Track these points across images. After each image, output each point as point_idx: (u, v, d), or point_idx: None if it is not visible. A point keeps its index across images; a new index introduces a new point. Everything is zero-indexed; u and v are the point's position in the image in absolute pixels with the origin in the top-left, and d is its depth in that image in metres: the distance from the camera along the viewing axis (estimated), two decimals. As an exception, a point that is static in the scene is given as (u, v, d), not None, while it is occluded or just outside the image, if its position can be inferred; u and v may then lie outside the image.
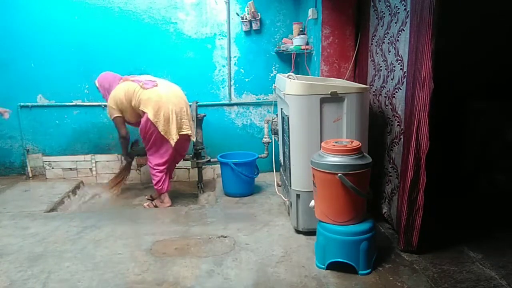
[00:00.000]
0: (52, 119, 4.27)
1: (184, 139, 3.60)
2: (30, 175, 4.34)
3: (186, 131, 3.51)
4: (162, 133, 3.38)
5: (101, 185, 4.29)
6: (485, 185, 3.58)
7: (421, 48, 2.32)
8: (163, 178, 3.58)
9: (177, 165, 3.99)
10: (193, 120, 3.79)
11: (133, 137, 3.85)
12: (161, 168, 3.54)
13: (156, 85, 3.47)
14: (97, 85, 3.67)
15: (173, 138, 3.43)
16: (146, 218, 3.23)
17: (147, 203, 3.76)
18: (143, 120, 3.42)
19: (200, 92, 4.29)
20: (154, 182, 3.60)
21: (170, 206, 3.65)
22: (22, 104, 4.20)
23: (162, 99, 3.39)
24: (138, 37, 4.13)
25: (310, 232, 2.77)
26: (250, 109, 4.42)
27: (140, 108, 3.41)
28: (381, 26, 2.96)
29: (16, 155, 4.37)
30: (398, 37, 2.67)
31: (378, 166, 2.97)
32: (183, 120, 3.49)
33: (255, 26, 4.16)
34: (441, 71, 2.56)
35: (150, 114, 3.36)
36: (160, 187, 3.59)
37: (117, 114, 3.52)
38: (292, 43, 3.90)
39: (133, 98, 3.43)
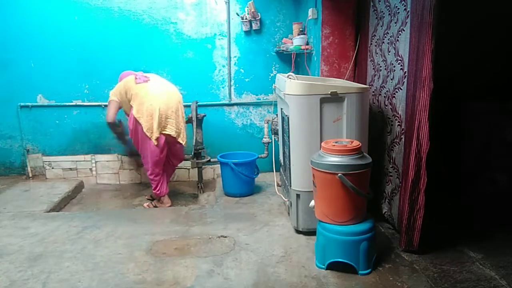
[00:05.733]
0: (52, 119, 4.27)
1: (174, 141, 3.56)
2: (30, 175, 4.34)
3: (169, 131, 3.43)
4: (144, 129, 3.34)
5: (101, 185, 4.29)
6: (485, 185, 3.58)
7: (422, 48, 2.32)
8: (160, 182, 3.58)
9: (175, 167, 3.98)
10: (193, 120, 3.78)
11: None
12: (156, 171, 3.53)
13: (147, 80, 3.48)
14: None
15: (154, 136, 3.36)
16: (146, 218, 3.23)
17: (147, 203, 3.76)
18: (130, 117, 3.43)
19: (200, 92, 4.28)
20: (152, 186, 3.61)
21: (170, 206, 3.65)
22: (22, 104, 4.20)
23: (148, 95, 3.38)
24: (138, 37, 4.13)
25: (310, 232, 2.77)
26: (250, 109, 4.42)
27: (130, 103, 3.43)
28: (381, 26, 2.96)
29: (16, 155, 4.37)
30: (398, 37, 2.67)
31: (378, 166, 2.97)
32: (168, 120, 3.42)
33: (255, 26, 4.16)
34: (441, 71, 2.56)
35: (134, 110, 3.37)
36: (159, 191, 3.60)
37: (113, 98, 3.55)
38: (292, 43, 3.90)
39: (128, 91, 3.45)
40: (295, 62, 4.19)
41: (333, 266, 2.35)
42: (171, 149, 3.66)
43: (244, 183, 3.71)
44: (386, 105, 2.90)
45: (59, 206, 3.65)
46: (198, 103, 3.94)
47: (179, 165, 3.97)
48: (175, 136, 3.49)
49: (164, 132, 3.42)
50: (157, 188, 3.58)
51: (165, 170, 3.68)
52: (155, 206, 3.66)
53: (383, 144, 2.95)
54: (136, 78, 3.46)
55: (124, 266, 2.45)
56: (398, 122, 2.73)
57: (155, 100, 3.37)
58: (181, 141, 3.57)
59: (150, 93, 3.40)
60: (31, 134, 4.29)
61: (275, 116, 3.81)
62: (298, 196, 2.76)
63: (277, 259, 2.50)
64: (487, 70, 3.74)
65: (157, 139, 3.38)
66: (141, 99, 3.37)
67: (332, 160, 2.26)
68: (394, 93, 2.77)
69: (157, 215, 3.34)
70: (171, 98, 3.49)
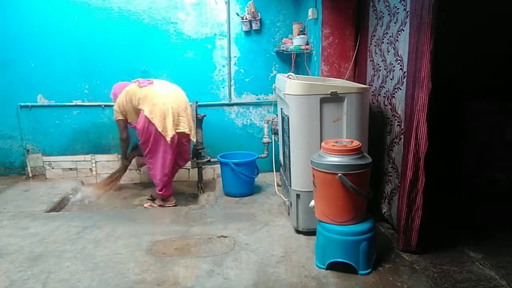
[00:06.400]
0: (52, 119, 4.27)
1: (184, 139, 3.58)
2: (30, 175, 4.34)
3: (183, 129, 3.46)
4: (159, 129, 3.35)
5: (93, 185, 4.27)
6: (485, 185, 3.58)
7: (421, 48, 2.32)
8: (168, 183, 3.58)
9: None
10: (193, 120, 3.79)
11: (134, 141, 3.88)
12: (165, 172, 3.51)
13: (152, 83, 3.51)
14: (112, 98, 3.74)
15: (169, 134, 3.37)
16: (146, 218, 3.23)
17: (148, 203, 3.75)
18: (140, 119, 3.42)
19: (200, 92, 4.29)
20: (157, 188, 3.58)
21: (174, 203, 3.65)
22: (22, 104, 4.19)
23: (158, 96, 3.40)
24: (138, 37, 4.13)
25: (310, 232, 2.77)
26: (250, 109, 4.42)
27: (139, 107, 3.42)
28: (380, 26, 2.96)
29: (16, 155, 4.37)
30: (398, 37, 2.67)
31: (378, 166, 2.97)
32: (180, 118, 3.45)
33: (255, 26, 4.16)
34: (441, 71, 2.56)
35: (146, 111, 3.37)
36: (165, 192, 3.59)
37: (120, 117, 3.58)
38: (292, 43, 3.90)
39: (133, 98, 3.46)
40: (295, 62, 4.19)
41: (333, 266, 2.35)
42: (179, 149, 3.66)
43: (244, 183, 3.71)
44: (386, 105, 2.90)
45: (59, 206, 3.66)
46: (198, 103, 3.94)
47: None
48: (188, 133, 3.51)
49: (178, 130, 3.45)
50: (163, 191, 3.57)
51: (171, 172, 3.67)
52: (160, 205, 3.63)
53: (383, 144, 2.95)
54: (139, 83, 3.48)
55: (124, 266, 2.45)
56: (398, 122, 2.73)
57: (166, 99, 3.39)
58: (192, 138, 3.60)
59: (159, 93, 3.42)
60: (31, 134, 4.29)
61: (275, 116, 3.81)
62: (298, 196, 2.76)
63: (277, 259, 2.51)
64: (487, 70, 3.74)
65: (173, 137, 3.39)
66: (152, 100, 3.38)
67: (332, 160, 2.26)
68: (394, 93, 2.77)
69: (157, 215, 3.34)
70: (177, 97, 3.52)
